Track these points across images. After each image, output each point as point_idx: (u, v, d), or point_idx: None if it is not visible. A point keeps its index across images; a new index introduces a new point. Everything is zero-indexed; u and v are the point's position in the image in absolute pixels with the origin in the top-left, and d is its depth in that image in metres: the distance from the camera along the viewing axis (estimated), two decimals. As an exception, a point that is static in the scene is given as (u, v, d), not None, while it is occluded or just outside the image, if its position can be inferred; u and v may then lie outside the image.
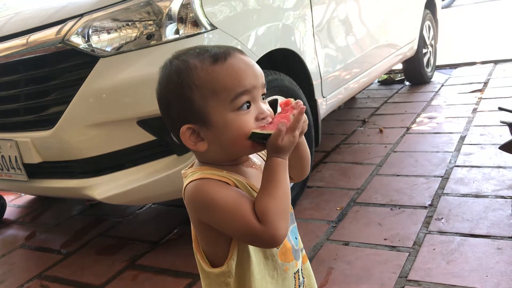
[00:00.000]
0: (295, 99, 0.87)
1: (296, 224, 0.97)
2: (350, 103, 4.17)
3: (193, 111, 0.83)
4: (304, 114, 0.84)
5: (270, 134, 0.81)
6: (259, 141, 0.83)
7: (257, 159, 0.96)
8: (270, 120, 0.85)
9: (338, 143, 3.20)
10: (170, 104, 0.86)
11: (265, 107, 0.86)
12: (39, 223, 2.68)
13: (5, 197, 2.86)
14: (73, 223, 2.62)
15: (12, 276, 2.13)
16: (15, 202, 3.03)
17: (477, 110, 3.46)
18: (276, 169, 0.82)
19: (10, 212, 2.86)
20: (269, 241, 0.81)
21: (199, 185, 0.82)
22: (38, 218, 2.76)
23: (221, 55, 0.83)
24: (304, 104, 0.89)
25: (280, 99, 2.14)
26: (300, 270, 0.96)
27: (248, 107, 0.84)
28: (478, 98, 3.75)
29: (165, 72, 0.86)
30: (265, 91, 0.87)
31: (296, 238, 0.96)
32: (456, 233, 1.90)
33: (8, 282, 2.08)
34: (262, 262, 0.89)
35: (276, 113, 0.87)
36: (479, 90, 3.97)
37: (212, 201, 0.80)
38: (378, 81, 4.85)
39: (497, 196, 2.14)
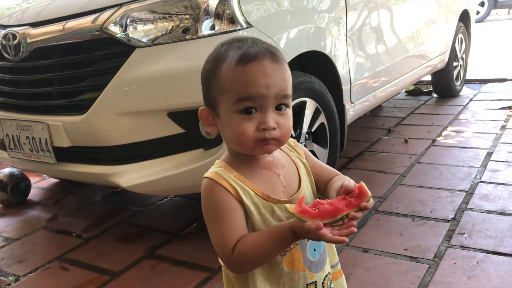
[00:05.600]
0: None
1: None
2: (376, 111, 4.14)
3: (209, 98, 0.90)
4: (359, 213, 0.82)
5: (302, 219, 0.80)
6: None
7: (281, 155, 0.96)
8: (270, 134, 0.84)
9: (362, 150, 3.19)
10: (201, 82, 0.92)
11: (274, 118, 0.85)
12: (61, 206, 2.73)
13: (30, 178, 2.92)
14: (95, 209, 2.66)
15: (33, 256, 2.17)
16: (39, 184, 3.09)
17: (506, 127, 3.40)
18: (283, 239, 0.83)
19: (34, 194, 2.92)
20: (226, 265, 0.90)
21: (206, 184, 0.89)
22: (61, 201, 2.81)
23: (246, 57, 0.84)
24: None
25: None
26: (321, 284, 0.94)
27: (252, 113, 0.84)
28: (507, 115, 3.68)
29: (212, 53, 0.90)
30: (285, 101, 0.86)
31: (315, 250, 0.93)
32: (479, 249, 1.87)
33: (29, 262, 2.12)
34: (266, 265, 0.90)
35: (349, 194, 0.84)
36: (509, 107, 3.90)
37: (209, 204, 0.88)
38: (405, 91, 4.80)
39: (522, 215, 2.10)
